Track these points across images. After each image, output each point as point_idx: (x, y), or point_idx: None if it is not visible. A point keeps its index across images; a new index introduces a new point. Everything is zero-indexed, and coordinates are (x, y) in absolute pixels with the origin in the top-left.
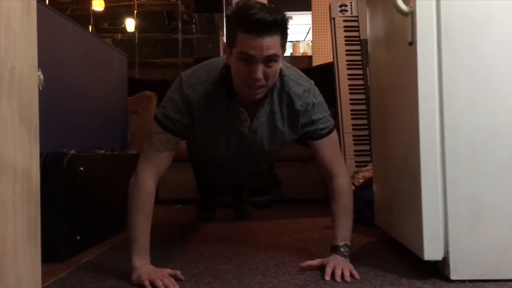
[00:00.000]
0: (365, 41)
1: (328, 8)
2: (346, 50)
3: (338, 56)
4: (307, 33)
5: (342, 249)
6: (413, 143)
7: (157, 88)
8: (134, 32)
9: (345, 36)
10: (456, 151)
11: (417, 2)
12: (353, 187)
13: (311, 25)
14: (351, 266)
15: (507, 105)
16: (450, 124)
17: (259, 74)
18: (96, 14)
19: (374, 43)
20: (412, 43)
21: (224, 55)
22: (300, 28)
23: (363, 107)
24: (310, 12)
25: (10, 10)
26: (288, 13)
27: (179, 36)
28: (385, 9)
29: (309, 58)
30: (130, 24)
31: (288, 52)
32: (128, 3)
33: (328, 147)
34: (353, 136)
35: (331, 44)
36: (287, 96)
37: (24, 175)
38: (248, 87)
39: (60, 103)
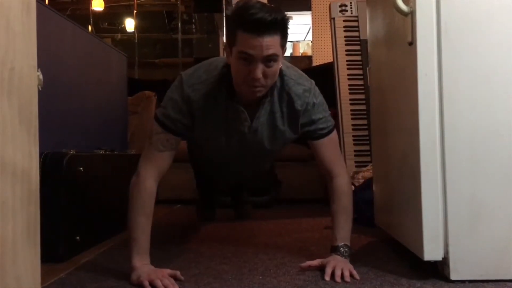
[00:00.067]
0: (365, 41)
1: (328, 8)
2: (346, 50)
3: (338, 56)
4: (307, 33)
5: (342, 249)
6: (413, 143)
7: (156, 88)
8: (133, 32)
9: (345, 36)
10: (456, 151)
11: (417, 2)
12: (353, 187)
13: (311, 25)
14: (351, 267)
15: (507, 105)
16: (450, 124)
17: (259, 73)
18: (96, 14)
19: (374, 43)
20: (412, 43)
21: (224, 55)
22: (300, 28)
23: (363, 107)
24: (310, 12)
25: (10, 10)
26: (288, 13)
27: (179, 36)
28: (385, 9)
29: (309, 58)
30: (129, 24)
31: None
32: (128, 3)
33: (328, 147)
34: (353, 136)
35: (331, 44)
36: (287, 96)
37: (23, 175)
38: (248, 86)
39: (60, 103)
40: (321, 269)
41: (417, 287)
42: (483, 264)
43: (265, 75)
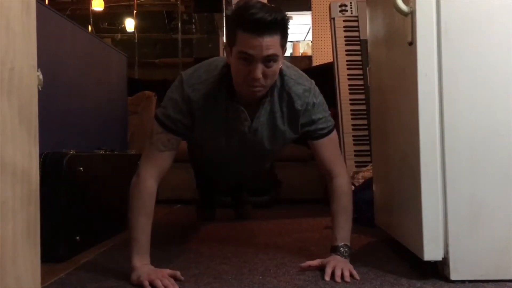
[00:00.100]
0: (365, 41)
1: (328, 8)
2: (346, 50)
3: (338, 56)
4: (307, 33)
5: (342, 250)
6: (413, 143)
7: (156, 88)
8: (133, 32)
9: (345, 36)
10: (456, 151)
11: (417, 2)
12: (353, 187)
13: (311, 25)
14: (351, 267)
15: (507, 105)
16: (450, 124)
17: (258, 73)
18: (96, 14)
19: (374, 43)
20: (412, 43)
21: (224, 55)
22: (300, 28)
23: (363, 107)
24: (310, 12)
25: (9, 10)
26: (288, 13)
27: (179, 36)
28: (385, 9)
29: (309, 58)
30: (129, 24)
31: (288, 52)
32: (128, 3)
33: (328, 147)
34: (353, 136)
35: (331, 44)
36: (287, 96)
37: (23, 175)
38: (248, 86)
39: (60, 103)
40: (321, 269)
41: (417, 287)
42: (483, 264)
43: (265, 75)
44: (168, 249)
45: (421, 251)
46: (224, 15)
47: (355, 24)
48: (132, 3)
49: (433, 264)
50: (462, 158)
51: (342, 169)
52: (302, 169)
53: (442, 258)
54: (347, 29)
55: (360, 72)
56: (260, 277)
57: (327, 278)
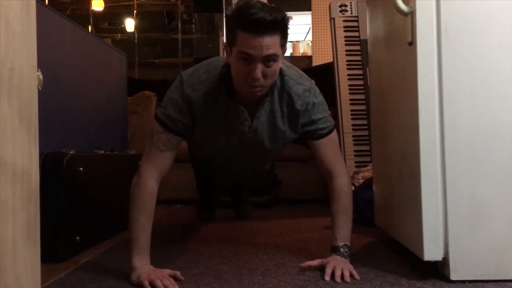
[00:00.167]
0: (365, 41)
1: (328, 8)
2: (346, 50)
3: (338, 56)
4: (307, 33)
5: (342, 250)
6: (413, 143)
7: (156, 88)
8: (133, 32)
9: (345, 36)
10: (456, 151)
11: (417, 2)
12: (353, 187)
13: (311, 25)
14: (351, 267)
15: (507, 105)
16: (450, 124)
17: (258, 73)
18: (96, 14)
19: (374, 43)
20: (412, 43)
21: (224, 55)
22: (300, 28)
23: (363, 107)
24: (310, 12)
25: (9, 10)
26: (288, 13)
27: (179, 36)
28: (385, 9)
29: (309, 58)
30: (129, 24)
31: (288, 52)
32: (128, 3)
33: (328, 147)
34: (353, 136)
35: (331, 44)
36: (287, 96)
37: (23, 175)
38: (248, 86)
39: (60, 103)
40: (321, 269)
41: (417, 287)
42: (483, 264)
43: (264, 75)
44: (168, 249)
45: (421, 251)
46: (224, 15)
47: (355, 24)
48: (132, 3)
49: (433, 264)
50: (462, 158)
51: (342, 169)
52: (302, 169)
53: (442, 258)
54: (347, 29)
55: (360, 72)
56: (260, 277)
57: (327, 278)
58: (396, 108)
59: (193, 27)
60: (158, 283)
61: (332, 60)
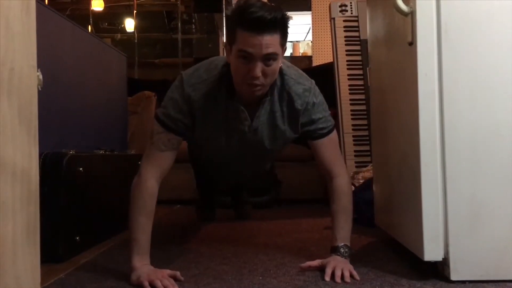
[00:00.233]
0: (365, 41)
1: (328, 8)
2: (346, 50)
3: (338, 56)
4: (307, 33)
5: (342, 250)
6: (413, 143)
7: (156, 88)
8: (133, 32)
9: (345, 36)
10: (456, 151)
11: (417, 2)
12: (353, 188)
13: (311, 25)
14: (351, 267)
15: (507, 105)
16: (450, 124)
17: (258, 72)
18: (96, 14)
19: (374, 43)
20: (412, 43)
21: (224, 55)
22: (300, 28)
23: (363, 107)
24: (310, 12)
25: (9, 10)
26: (288, 13)
27: (179, 36)
28: (385, 9)
29: (309, 58)
30: (129, 24)
31: (288, 52)
32: (128, 3)
33: (328, 147)
34: (353, 136)
35: (331, 44)
36: (287, 95)
37: (23, 175)
38: (247, 85)
39: (60, 103)
40: (321, 269)
41: (417, 287)
42: (483, 264)
43: (264, 74)
44: (168, 249)
45: (421, 251)
46: (224, 15)
47: (355, 24)
48: (132, 3)
49: (433, 264)
50: (462, 158)
51: (342, 169)
52: (302, 169)
53: (442, 259)
54: (347, 29)
55: (360, 72)
56: (260, 278)
57: (327, 278)
58: (396, 108)
59: (193, 27)
60: (158, 283)
61: (332, 60)
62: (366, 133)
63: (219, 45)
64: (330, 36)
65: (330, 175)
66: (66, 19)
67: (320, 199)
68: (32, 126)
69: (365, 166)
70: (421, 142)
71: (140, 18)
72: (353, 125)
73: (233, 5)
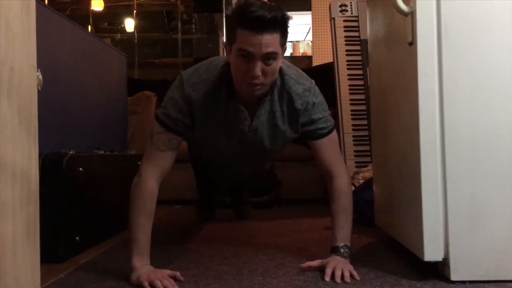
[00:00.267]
0: (365, 41)
1: (328, 8)
2: (346, 50)
3: (338, 56)
4: (307, 33)
5: (342, 250)
6: (413, 143)
7: (156, 88)
8: (133, 32)
9: (345, 36)
10: (456, 151)
11: (417, 2)
12: (353, 188)
13: (311, 25)
14: (351, 267)
15: (507, 105)
16: (450, 124)
17: (257, 71)
18: (96, 14)
19: (374, 43)
20: (412, 43)
21: (224, 54)
22: (300, 28)
23: (363, 107)
24: (310, 12)
25: (9, 10)
26: (288, 13)
27: (179, 36)
28: (385, 9)
29: (309, 58)
30: (129, 24)
31: (288, 52)
32: (128, 3)
33: (328, 147)
34: (353, 136)
35: (331, 44)
36: (287, 95)
37: (23, 175)
38: (247, 84)
39: (59, 103)
40: (321, 269)
41: (417, 287)
42: (483, 265)
43: (264, 73)
44: (168, 249)
45: (421, 251)
46: (224, 15)
47: (355, 24)
48: (132, 3)
49: (433, 264)
50: (462, 158)
51: (342, 169)
52: (302, 169)
53: (443, 259)
54: (347, 29)
55: (360, 72)
56: (260, 278)
57: (327, 278)
58: (396, 108)
59: (193, 27)
60: (158, 283)
61: (332, 60)
62: (366, 133)
63: (219, 45)
64: (330, 36)
65: (330, 175)
66: (66, 19)
67: (320, 199)
68: (32, 126)
69: (365, 166)
70: (421, 142)
71: (140, 18)
72: (353, 125)
73: (233, 5)
